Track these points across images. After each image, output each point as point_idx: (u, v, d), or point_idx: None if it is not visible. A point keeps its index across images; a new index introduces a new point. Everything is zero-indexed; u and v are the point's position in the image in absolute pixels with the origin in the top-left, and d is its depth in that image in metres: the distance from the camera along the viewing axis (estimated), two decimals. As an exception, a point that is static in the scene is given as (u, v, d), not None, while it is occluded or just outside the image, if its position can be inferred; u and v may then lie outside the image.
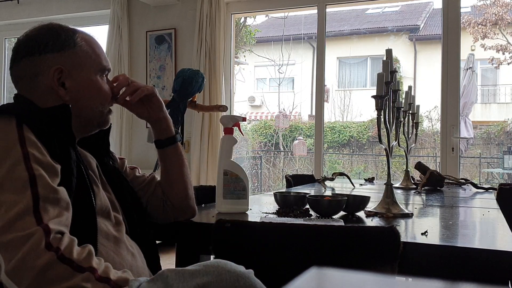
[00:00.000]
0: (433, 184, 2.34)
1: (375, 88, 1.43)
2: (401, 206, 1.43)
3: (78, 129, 1.07)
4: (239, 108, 11.37)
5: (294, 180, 2.67)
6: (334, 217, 1.33)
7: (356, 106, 11.63)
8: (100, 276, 0.85)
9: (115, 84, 1.17)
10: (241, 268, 0.85)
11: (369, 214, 1.39)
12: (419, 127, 2.72)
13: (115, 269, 0.90)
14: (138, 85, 1.19)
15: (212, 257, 1.16)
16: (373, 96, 1.43)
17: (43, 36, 1.08)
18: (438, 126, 8.62)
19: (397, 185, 2.39)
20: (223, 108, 3.05)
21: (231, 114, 4.18)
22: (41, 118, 0.98)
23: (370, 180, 2.76)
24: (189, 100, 2.71)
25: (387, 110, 1.48)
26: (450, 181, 2.58)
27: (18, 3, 4.92)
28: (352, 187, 2.36)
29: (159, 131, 1.26)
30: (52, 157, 0.94)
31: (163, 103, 1.26)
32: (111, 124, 1.20)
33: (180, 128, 2.66)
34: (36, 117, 0.98)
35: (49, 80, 1.05)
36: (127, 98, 1.18)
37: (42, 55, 1.06)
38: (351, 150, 10.95)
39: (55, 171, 0.93)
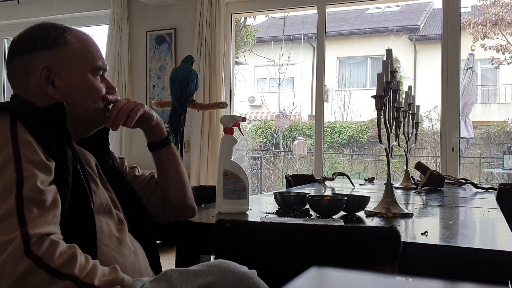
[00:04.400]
0: (433, 184, 2.34)
1: (375, 88, 1.43)
2: (401, 206, 1.43)
3: (74, 128, 1.05)
4: (239, 108, 11.37)
5: (294, 180, 2.67)
6: (334, 217, 1.33)
7: (356, 106, 11.64)
8: (82, 282, 0.82)
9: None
10: (245, 268, 0.85)
11: (369, 214, 1.39)
12: (419, 127, 2.72)
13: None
14: (129, 107, 1.13)
15: (212, 257, 1.16)
16: (373, 96, 1.43)
17: (33, 34, 1.07)
18: (438, 126, 8.63)
19: (397, 185, 2.39)
20: (223, 104, 3.04)
21: (231, 114, 4.17)
22: (36, 116, 0.97)
23: (370, 180, 2.76)
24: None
25: (387, 110, 1.48)
26: (450, 181, 2.58)
27: (18, 3, 4.93)
28: (352, 187, 2.36)
29: (152, 135, 1.25)
30: (47, 154, 0.93)
31: (154, 114, 1.21)
32: None
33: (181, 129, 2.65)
34: (31, 114, 0.96)
35: (38, 79, 1.04)
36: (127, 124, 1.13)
37: (32, 53, 1.05)
38: (351, 150, 10.95)
39: (48, 169, 0.91)
